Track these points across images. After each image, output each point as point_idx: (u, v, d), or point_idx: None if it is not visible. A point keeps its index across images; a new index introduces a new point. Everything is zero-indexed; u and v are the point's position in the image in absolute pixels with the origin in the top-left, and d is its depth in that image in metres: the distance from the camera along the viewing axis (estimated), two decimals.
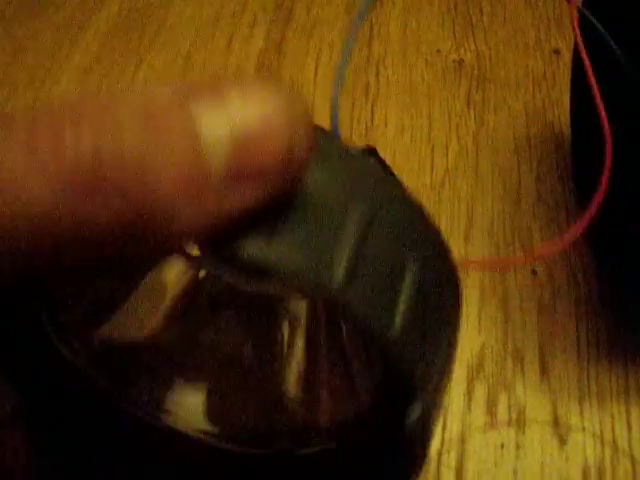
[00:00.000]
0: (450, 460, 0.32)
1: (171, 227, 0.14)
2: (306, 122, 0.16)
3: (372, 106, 0.44)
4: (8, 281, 0.14)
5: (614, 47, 0.32)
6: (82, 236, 0.14)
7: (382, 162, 0.26)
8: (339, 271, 0.17)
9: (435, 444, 0.32)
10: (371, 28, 0.49)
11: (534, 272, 0.37)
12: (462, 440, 0.32)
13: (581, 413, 0.33)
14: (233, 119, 0.14)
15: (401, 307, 0.18)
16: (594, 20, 0.32)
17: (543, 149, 0.42)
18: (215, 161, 0.14)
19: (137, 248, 0.15)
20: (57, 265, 0.14)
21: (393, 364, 0.19)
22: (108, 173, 0.13)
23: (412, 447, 0.22)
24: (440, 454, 0.32)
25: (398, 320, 0.18)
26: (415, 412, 0.20)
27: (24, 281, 0.18)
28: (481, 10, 0.50)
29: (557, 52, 0.47)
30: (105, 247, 0.14)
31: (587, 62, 0.29)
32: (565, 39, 0.47)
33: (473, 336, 0.35)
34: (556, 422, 0.33)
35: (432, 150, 0.42)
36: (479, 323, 0.36)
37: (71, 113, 0.14)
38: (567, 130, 0.42)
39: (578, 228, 0.29)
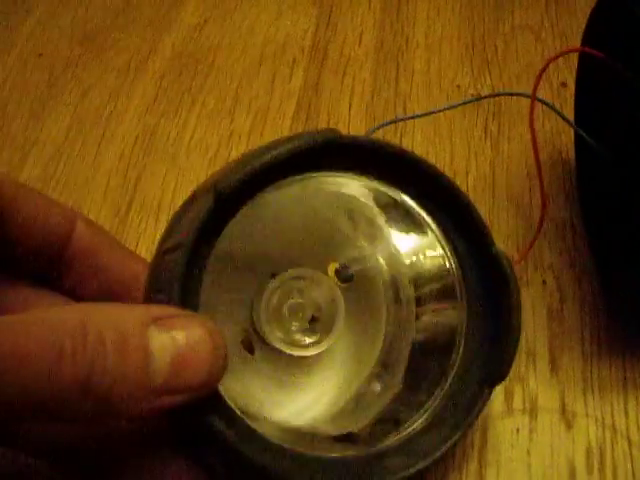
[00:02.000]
0: (474, 442, 0.37)
1: (126, 412, 0.23)
2: (223, 351, 0.25)
3: (400, 138, 0.50)
4: None
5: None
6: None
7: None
8: None
9: None
10: (397, 67, 0.55)
11: (544, 282, 0.43)
12: (484, 426, 0.38)
13: (585, 402, 0.39)
14: (174, 349, 0.24)
15: None
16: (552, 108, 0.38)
17: (552, 173, 0.48)
18: (157, 380, 0.23)
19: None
20: None
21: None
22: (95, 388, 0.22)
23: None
24: (465, 437, 0.38)
25: None
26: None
27: None
28: (496, 48, 0.56)
29: (564, 85, 0.52)
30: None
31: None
32: (571, 72, 0.53)
33: None
34: (563, 410, 0.38)
35: (454, 176, 0.48)
36: None
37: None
38: (573, 155, 0.48)
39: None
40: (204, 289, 0.31)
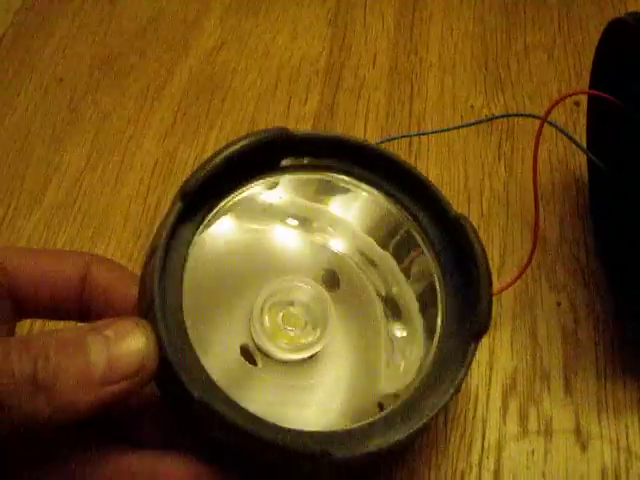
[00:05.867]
0: (489, 464, 0.38)
1: (75, 404, 0.26)
2: (154, 348, 0.28)
3: (415, 160, 0.51)
4: None
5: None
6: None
7: None
8: None
9: (476, 451, 0.38)
10: (412, 87, 0.56)
11: (558, 303, 0.43)
12: (499, 448, 0.39)
13: (600, 423, 0.39)
14: (108, 344, 0.28)
15: None
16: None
17: (565, 194, 0.48)
18: (96, 371, 0.27)
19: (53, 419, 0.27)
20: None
21: None
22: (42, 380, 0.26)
23: None
24: (481, 460, 0.38)
25: None
26: None
27: None
28: (509, 67, 0.56)
29: (577, 104, 0.53)
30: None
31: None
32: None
33: (507, 360, 0.41)
34: (578, 431, 0.39)
35: (468, 198, 0.48)
36: (512, 349, 0.42)
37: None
38: (586, 175, 0.48)
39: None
40: (202, 308, 0.33)
